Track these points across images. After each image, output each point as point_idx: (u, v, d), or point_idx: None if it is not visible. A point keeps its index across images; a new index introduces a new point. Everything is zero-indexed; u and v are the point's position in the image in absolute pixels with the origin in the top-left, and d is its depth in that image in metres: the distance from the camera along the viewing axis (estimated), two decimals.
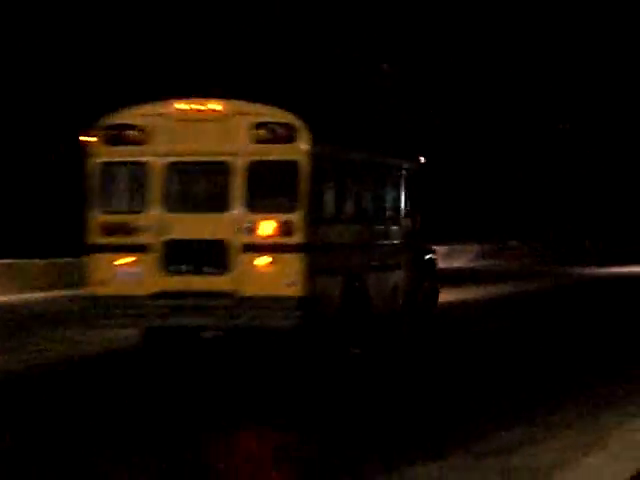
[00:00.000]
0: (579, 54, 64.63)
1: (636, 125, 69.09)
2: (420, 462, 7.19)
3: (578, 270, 39.63)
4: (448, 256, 45.34)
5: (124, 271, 11.31)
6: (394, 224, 13.87)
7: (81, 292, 23.09)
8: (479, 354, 14.16)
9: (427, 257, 14.93)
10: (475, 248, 48.32)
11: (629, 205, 73.18)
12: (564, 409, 9.39)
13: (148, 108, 11.76)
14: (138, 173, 11.46)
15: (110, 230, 11.37)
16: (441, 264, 43.79)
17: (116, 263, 11.33)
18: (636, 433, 7.06)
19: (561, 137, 62.84)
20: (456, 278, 33.96)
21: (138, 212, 11.39)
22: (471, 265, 44.97)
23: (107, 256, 11.41)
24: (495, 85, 59.43)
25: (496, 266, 43.96)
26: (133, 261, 11.31)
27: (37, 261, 25.51)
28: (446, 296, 24.27)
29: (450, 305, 22.21)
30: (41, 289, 24.58)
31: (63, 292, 24.38)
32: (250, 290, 11.03)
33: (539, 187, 64.21)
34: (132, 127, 11.46)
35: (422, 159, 15.28)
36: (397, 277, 13.59)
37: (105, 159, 11.52)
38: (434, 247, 15.91)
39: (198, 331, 12.06)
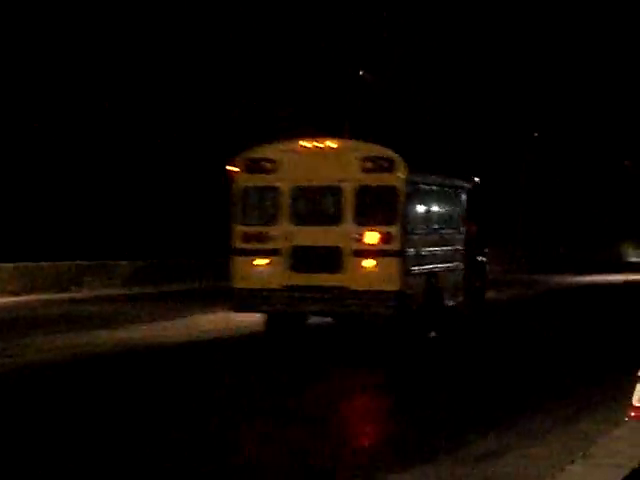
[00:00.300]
0: (549, 60, 64.95)
1: (604, 134, 69.56)
2: (406, 467, 7.09)
3: (550, 278, 39.70)
4: None
5: (260, 270, 14.41)
6: (457, 233, 16.85)
7: (55, 296, 23.26)
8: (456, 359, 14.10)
9: (479, 260, 17.99)
10: None
11: (595, 212, 73.73)
12: (546, 415, 9.33)
13: (279, 145, 15.16)
14: (271, 195, 14.73)
15: (249, 238, 14.51)
16: None
17: (254, 263, 14.42)
18: (618, 441, 6.96)
19: (531, 145, 63.03)
20: None
21: (271, 224, 14.56)
22: None
23: (247, 258, 14.50)
24: (466, 92, 59.49)
25: None
26: (267, 262, 14.40)
27: (7, 265, 25.15)
28: None
29: None
30: (13, 293, 24.26)
31: (34, 296, 24.10)
32: (357, 285, 14.01)
33: (509, 194, 64.41)
34: (267, 160, 14.70)
35: (477, 180, 18.13)
36: (458, 276, 16.64)
37: (246, 184, 14.73)
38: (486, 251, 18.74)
39: (305, 318, 15.38)
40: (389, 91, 50.67)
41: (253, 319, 15.43)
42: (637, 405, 6.34)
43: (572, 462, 6.17)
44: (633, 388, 6.93)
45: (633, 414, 6.40)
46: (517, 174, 63.00)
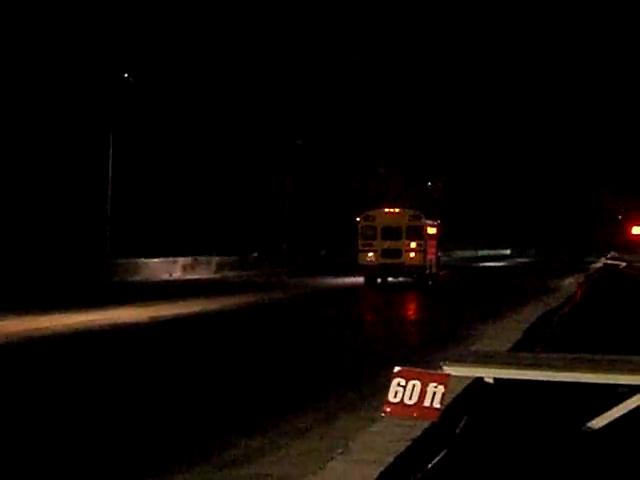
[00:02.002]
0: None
1: (359, 141, 72.15)
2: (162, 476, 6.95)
3: (313, 280, 40.78)
4: (191, 268, 45.19)
5: (369, 257, 36.20)
6: (434, 242, 38.69)
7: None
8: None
9: (438, 255, 39.82)
10: (217, 260, 48.52)
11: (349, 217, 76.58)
12: (303, 415, 9.40)
13: (376, 210, 37.85)
14: (373, 229, 36.48)
15: (365, 245, 36.44)
16: (185, 276, 43.60)
17: (367, 255, 36.30)
18: (375, 436, 7.17)
19: (294, 153, 64.40)
20: (201, 289, 33.83)
21: (373, 240, 36.36)
22: (215, 276, 45.09)
23: (364, 253, 36.39)
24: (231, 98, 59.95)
25: (238, 277, 44.38)
26: (372, 255, 36.12)
27: None
28: (192, 307, 24.10)
29: (197, 315, 22.00)
30: None
31: None
32: (408, 263, 36.06)
33: (273, 201, 65.49)
34: (371, 216, 37.16)
35: (439, 221, 41.43)
36: (434, 261, 38.39)
37: (363, 225, 36.95)
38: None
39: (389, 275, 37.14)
40: (154, 94, 50.06)
41: None
42: (391, 401, 6.55)
43: (331, 459, 6.29)
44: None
45: (388, 409, 6.60)
46: (283, 181, 64.11)
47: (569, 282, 36.71)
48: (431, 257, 37.42)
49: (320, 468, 6.08)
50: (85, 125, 48.52)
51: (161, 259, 43.55)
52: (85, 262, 39.30)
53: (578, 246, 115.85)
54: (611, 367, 7.11)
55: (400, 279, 37.04)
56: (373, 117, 75.19)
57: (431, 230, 38.12)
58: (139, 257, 42.57)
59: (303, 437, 8.36)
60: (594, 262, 70.97)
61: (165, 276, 41.93)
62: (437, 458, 6.40)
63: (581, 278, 38.05)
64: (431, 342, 16.37)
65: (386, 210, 37.28)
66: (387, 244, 35.79)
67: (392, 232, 35.98)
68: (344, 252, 68.25)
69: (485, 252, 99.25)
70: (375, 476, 5.76)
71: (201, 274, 44.74)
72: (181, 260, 44.90)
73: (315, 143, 67.47)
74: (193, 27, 56.10)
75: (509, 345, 12.17)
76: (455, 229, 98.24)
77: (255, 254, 54.86)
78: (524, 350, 11.30)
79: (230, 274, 46.56)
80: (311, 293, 32.64)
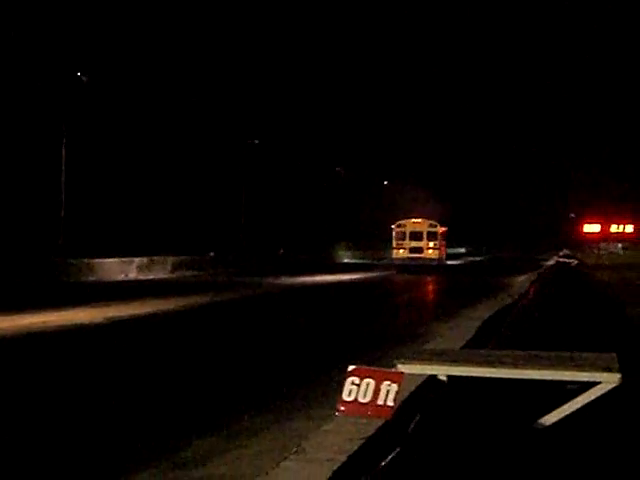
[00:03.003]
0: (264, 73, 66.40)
1: (317, 142, 72.17)
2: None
3: (271, 280, 40.78)
4: (147, 268, 44.89)
5: (401, 253, 60.53)
6: (444, 243, 64.29)
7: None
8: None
9: (447, 252, 68.10)
10: (173, 260, 48.28)
11: (311, 216, 76.54)
12: (258, 415, 9.40)
13: (406, 220, 62.10)
14: (404, 233, 60.60)
15: (398, 244, 60.84)
16: (141, 276, 43.32)
17: (399, 251, 60.76)
18: (328, 435, 7.18)
19: (250, 153, 64.31)
20: (157, 289, 33.65)
21: (403, 241, 60.61)
22: (172, 276, 44.86)
23: (397, 250, 61.04)
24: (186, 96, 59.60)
25: (194, 277, 44.19)
26: (403, 251, 60.43)
27: None
28: (148, 308, 23.99)
29: (160, 315, 21.90)
30: None
31: None
32: (428, 257, 59.97)
33: (230, 200, 65.35)
34: (402, 224, 61.34)
35: (446, 227, 65.83)
36: (444, 254, 64.24)
37: (396, 230, 61.33)
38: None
39: (414, 267, 56.67)
40: (107, 93, 49.70)
41: None
42: (345, 399, 6.57)
43: (285, 458, 6.29)
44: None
45: (342, 408, 6.62)
46: (240, 181, 63.96)
47: (522, 279, 37.07)
48: (442, 253, 60.45)
49: (273, 468, 6.08)
50: (38, 124, 48.02)
51: (116, 259, 43.22)
52: (38, 262, 38.90)
53: (531, 244, 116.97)
54: (561, 364, 7.20)
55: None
56: (332, 116, 75.24)
57: (442, 233, 60.14)
58: (93, 257, 42.21)
59: (257, 437, 8.37)
60: (546, 260, 71.75)
61: (120, 276, 41.61)
62: (390, 456, 6.44)
63: (534, 276, 38.45)
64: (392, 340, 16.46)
65: (413, 220, 60.29)
66: (413, 244, 58.17)
67: (417, 235, 58.38)
68: (302, 251, 68.26)
69: None
70: (328, 475, 5.77)
71: (157, 274, 44.48)
72: (137, 260, 44.60)
73: (273, 143, 67.39)
74: (148, 26, 55.80)
75: (463, 342, 12.26)
76: None
77: (212, 254, 54.63)
78: (477, 347, 11.40)
79: (186, 274, 46.34)
80: (267, 293, 32.61)
